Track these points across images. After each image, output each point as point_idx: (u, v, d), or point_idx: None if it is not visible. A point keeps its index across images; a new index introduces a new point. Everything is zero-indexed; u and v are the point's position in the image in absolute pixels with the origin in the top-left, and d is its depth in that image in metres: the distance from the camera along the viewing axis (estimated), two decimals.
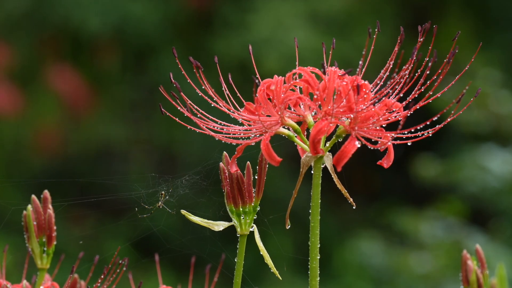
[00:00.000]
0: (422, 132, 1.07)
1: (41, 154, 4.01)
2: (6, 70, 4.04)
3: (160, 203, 1.28)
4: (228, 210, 1.15)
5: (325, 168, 1.09)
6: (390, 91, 1.11)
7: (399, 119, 1.08)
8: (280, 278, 1.18)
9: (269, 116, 1.11)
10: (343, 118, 1.08)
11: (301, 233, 3.42)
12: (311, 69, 1.11)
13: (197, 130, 1.13)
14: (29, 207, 1.22)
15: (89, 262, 1.29)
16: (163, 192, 1.28)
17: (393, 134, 1.07)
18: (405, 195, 3.88)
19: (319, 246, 1.07)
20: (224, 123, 1.13)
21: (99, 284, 1.19)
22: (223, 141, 1.13)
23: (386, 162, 1.10)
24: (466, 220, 3.05)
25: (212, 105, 1.14)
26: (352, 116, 1.06)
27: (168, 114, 1.14)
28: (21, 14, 3.91)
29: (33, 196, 1.23)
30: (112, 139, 4.02)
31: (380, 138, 1.07)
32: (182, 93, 1.11)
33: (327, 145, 1.09)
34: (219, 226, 1.16)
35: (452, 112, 1.08)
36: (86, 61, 4.15)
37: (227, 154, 1.15)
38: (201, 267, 1.36)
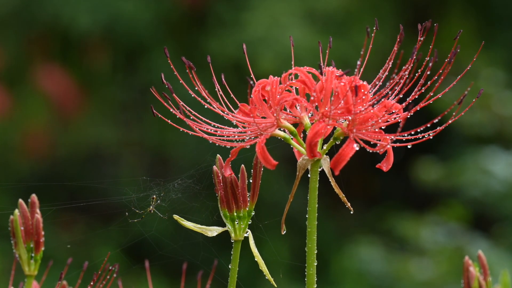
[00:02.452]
0: (422, 134, 1.06)
1: (29, 157, 3.98)
2: None
3: (151, 207, 1.26)
4: (222, 215, 1.13)
5: (322, 172, 1.07)
6: (390, 92, 1.09)
7: (399, 121, 1.06)
8: (276, 286, 1.16)
9: (264, 118, 1.09)
10: (341, 120, 1.06)
11: (297, 238, 3.41)
12: (308, 69, 1.08)
13: (190, 133, 1.11)
14: (16, 211, 1.20)
15: (78, 268, 1.26)
16: (154, 196, 1.26)
17: (392, 137, 1.05)
18: (405, 200, 3.87)
19: (316, 252, 1.06)
20: (218, 125, 1.11)
21: None
22: (216, 144, 1.10)
23: (386, 165, 1.08)
24: (469, 225, 3.03)
25: (206, 106, 1.12)
26: (350, 118, 1.04)
27: (160, 116, 1.12)
28: (8, 12, 3.87)
29: (20, 201, 1.21)
30: (102, 141, 3.99)
31: (379, 140, 1.05)
32: (174, 94, 1.09)
33: (325, 147, 1.07)
34: (213, 231, 1.14)
35: (454, 113, 1.06)
36: (75, 61, 4.12)
37: (221, 157, 1.13)
38: (193, 274, 1.33)
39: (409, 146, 1.08)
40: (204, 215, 1.26)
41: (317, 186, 1.06)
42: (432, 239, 2.96)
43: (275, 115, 1.07)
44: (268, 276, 1.13)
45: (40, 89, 4.03)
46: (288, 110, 1.10)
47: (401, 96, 1.09)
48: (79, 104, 4.10)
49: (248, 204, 1.13)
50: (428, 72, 1.07)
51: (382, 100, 1.08)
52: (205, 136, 1.10)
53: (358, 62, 1.12)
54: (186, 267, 1.33)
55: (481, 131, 3.11)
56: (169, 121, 1.12)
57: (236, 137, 1.10)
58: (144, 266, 1.33)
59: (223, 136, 1.11)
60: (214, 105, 1.11)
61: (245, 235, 1.13)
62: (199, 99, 1.12)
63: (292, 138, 1.09)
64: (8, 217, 1.20)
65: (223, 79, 1.15)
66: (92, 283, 1.18)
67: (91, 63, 4.11)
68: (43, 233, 1.20)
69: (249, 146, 1.09)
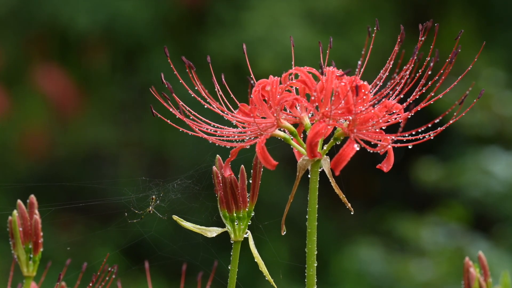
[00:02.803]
0: (423, 134, 1.05)
1: (27, 158, 3.96)
2: None
3: (151, 208, 1.25)
4: (221, 215, 1.13)
5: (323, 172, 1.06)
6: (390, 92, 1.09)
7: (400, 121, 1.05)
8: (276, 287, 1.15)
9: (264, 118, 1.08)
10: (341, 120, 1.05)
11: (297, 239, 3.40)
12: (308, 69, 1.08)
13: (190, 133, 1.10)
14: (15, 212, 1.19)
15: (77, 269, 1.25)
16: (154, 197, 1.25)
17: (393, 137, 1.05)
18: (405, 200, 3.87)
19: (316, 253, 1.05)
20: (218, 125, 1.11)
21: None
22: (216, 144, 1.10)
23: (386, 166, 1.07)
24: (469, 226, 3.02)
25: (205, 106, 1.12)
26: (350, 118, 1.04)
27: (159, 116, 1.11)
28: (6, 11, 3.86)
29: (19, 201, 1.20)
30: (101, 141, 3.98)
31: (380, 140, 1.05)
32: (174, 94, 1.08)
33: (325, 148, 1.07)
34: (212, 232, 1.14)
35: (455, 113, 1.06)
36: (74, 61, 4.11)
37: (220, 158, 1.12)
38: (193, 275, 1.33)
39: (409, 147, 1.07)
40: (203, 216, 1.26)
41: (317, 186, 1.06)
42: (432, 240, 2.95)
43: (275, 115, 1.07)
44: (268, 277, 1.12)
45: (39, 89, 4.02)
46: (288, 110, 1.09)
47: (402, 96, 1.08)
48: (78, 104, 4.09)
49: (248, 204, 1.12)
50: (429, 72, 1.06)
51: (383, 100, 1.07)
52: (205, 136, 1.09)
53: (359, 62, 1.11)
54: (186, 268, 1.32)
55: (482, 132, 3.10)
56: (168, 121, 1.12)
57: (236, 137, 1.09)
58: (144, 267, 1.32)
59: (223, 136, 1.10)
60: (214, 105, 1.11)
61: (245, 235, 1.13)
62: (199, 99, 1.11)
63: (292, 139, 1.09)
64: (6, 217, 1.20)
65: (223, 79, 1.14)
66: (91, 284, 1.18)
67: (90, 63, 4.10)
68: (41, 233, 1.20)
69: (249, 146, 1.09)
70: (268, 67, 3.47)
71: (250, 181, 1.12)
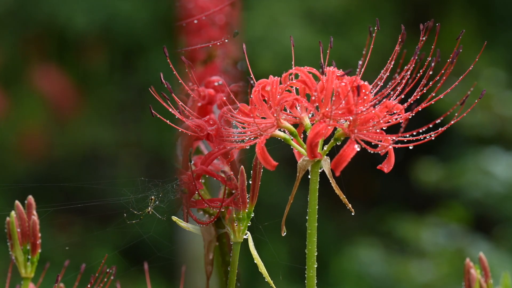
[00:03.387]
0: (424, 135, 1.05)
1: (25, 158, 3.96)
2: None
3: (150, 208, 1.24)
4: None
5: (323, 173, 1.06)
6: (391, 92, 1.08)
7: (400, 121, 1.05)
8: None
9: (264, 118, 1.08)
10: (341, 121, 1.05)
11: (297, 240, 3.38)
12: (308, 69, 1.07)
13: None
14: (13, 213, 1.19)
15: (75, 270, 1.25)
16: (153, 197, 1.25)
17: (394, 137, 1.04)
18: (405, 201, 3.86)
19: (316, 254, 1.04)
20: None
21: None
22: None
23: (387, 167, 1.07)
24: (469, 227, 3.02)
25: None
26: (351, 118, 1.03)
27: (158, 116, 1.10)
28: (4, 11, 3.86)
29: (17, 202, 1.20)
30: (100, 142, 3.98)
31: (381, 141, 1.04)
32: (173, 94, 1.07)
33: (325, 148, 1.06)
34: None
35: (456, 114, 1.05)
36: (72, 61, 4.11)
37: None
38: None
39: (410, 147, 1.07)
40: None
41: (317, 187, 1.05)
42: (432, 241, 2.94)
43: (275, 115, 1.06)
44: (267, 278, 1.12)
45: (37, 89, 4.02)
46: (288, 111, 1.09)
47: (402, 96, 1.08)
48: (76, 104, 4.09)
49: (248, 205, 1.12)
50: (430, 73, 1.06)
51: (384, 100, 1.07)
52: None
53: (360, 62, 1.11)
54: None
55: (482, 132, 3.10)
56: (167, 121, 1.11)
57: (236, 137, 1.09)
58: (143, 268, 1.32)
59: (222, 136, 1.09)
60: None
61: (244, 237, 1.12)
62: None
63: (292, 139, 1.08)
64: (4, 218, 1.19)
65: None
66: (89, 285, 1.17)
67: (88, 63, 4.09)
68: (39, 234, 1.19)
69: (248, 147, 1.08)
70: (267, 67, 3.46)
71: (250, 182, 1.12)
